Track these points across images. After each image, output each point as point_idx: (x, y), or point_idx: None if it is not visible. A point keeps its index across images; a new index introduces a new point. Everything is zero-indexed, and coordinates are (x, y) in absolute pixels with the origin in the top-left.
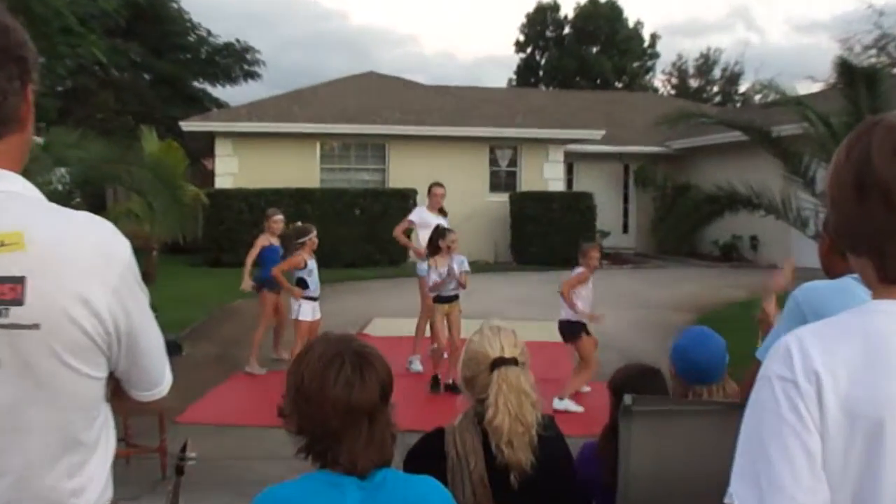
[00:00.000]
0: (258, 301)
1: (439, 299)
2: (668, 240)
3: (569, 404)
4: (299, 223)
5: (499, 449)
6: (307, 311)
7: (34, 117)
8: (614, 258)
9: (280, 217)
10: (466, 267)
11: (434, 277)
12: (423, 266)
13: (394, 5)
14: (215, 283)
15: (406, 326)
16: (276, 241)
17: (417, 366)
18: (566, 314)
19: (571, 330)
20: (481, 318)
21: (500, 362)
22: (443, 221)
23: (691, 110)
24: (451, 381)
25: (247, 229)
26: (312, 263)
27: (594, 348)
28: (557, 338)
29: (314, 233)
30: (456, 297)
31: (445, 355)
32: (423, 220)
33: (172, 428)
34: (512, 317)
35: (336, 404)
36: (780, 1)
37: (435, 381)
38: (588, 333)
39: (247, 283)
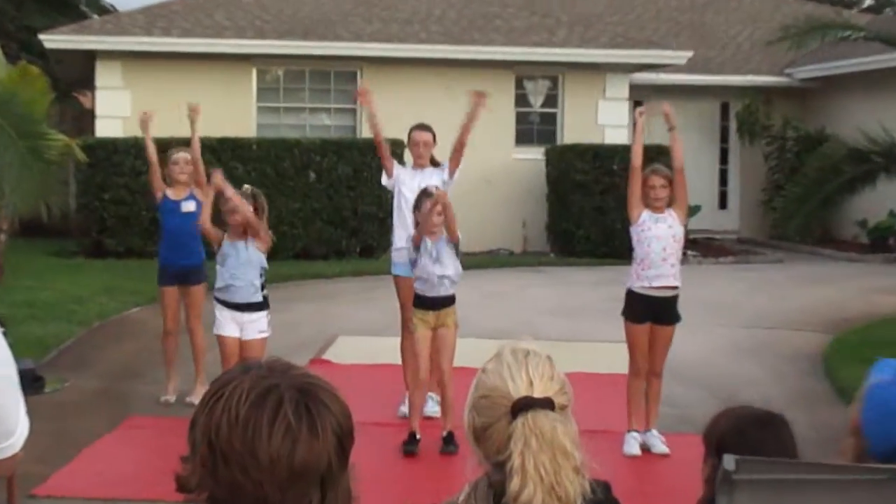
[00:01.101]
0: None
1: (419, 301)
2: (788, 219)
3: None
4: (247, 187)
5: None
6: (222, 323)
7: None
8: (706, 248)
9: (184, 157)
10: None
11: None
12: (398, 258)
13: None
14: (96, 282)
15: (387, 349)
16: (180, 194)
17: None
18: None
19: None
20: (501, 337)
21: (527, 405)
22: (435, 179)
23: (828, 19)
24: (445, 434)
25: (144, 200)
26: (231, 248)
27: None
28: (616, 366)
29: (239, 208)
30: (448, 301)
31: (435, 400)
32: (402, 181)
33: None
34: (548, 335)
35: (271, 466)
36: None
37: (411, 440)
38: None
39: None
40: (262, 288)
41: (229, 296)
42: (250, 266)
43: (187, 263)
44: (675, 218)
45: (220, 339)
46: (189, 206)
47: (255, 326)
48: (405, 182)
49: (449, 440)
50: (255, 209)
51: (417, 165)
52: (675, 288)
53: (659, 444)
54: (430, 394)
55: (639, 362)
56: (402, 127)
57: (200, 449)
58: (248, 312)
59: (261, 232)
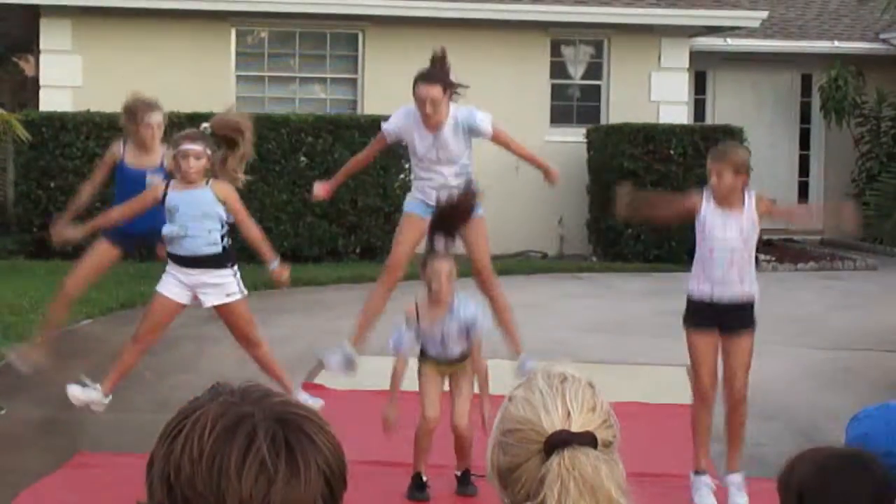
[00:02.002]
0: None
1: (425, 355)
2: (883, 217)
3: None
4: (205, 126)
5: None
6: (167, 281)
7: None
8: (782, 251)
9: (159, 119)
10: (481, 326)
11: (399, 339)
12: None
13: None
14: (38, 289)
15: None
16: (145, 161)
17: None
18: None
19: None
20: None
21: (563, 441)
22: (461, 141)
23: None
24: (459, 474)
25: (99, 189)
26: (178, 197)
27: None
28: (674, 394)
29: (180, 148)
30: (461, 360)
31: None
32: (407, 134)
33: None
34: (588, 356)
35: None
36: None
37: (418, 483)
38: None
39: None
40: (225, 237)
41: (180, 248)
42: (207, 216)
43: (148, 227)
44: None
45: (157, 297)
46: (156, 180)
47: (222, 290)
48: (416, 147)
49: (465, 480)
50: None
51: (429, 127)
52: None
53: (735, 494)
54: None
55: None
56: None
57: (157, 493)
58: (204, 269)
59: (223, 181)
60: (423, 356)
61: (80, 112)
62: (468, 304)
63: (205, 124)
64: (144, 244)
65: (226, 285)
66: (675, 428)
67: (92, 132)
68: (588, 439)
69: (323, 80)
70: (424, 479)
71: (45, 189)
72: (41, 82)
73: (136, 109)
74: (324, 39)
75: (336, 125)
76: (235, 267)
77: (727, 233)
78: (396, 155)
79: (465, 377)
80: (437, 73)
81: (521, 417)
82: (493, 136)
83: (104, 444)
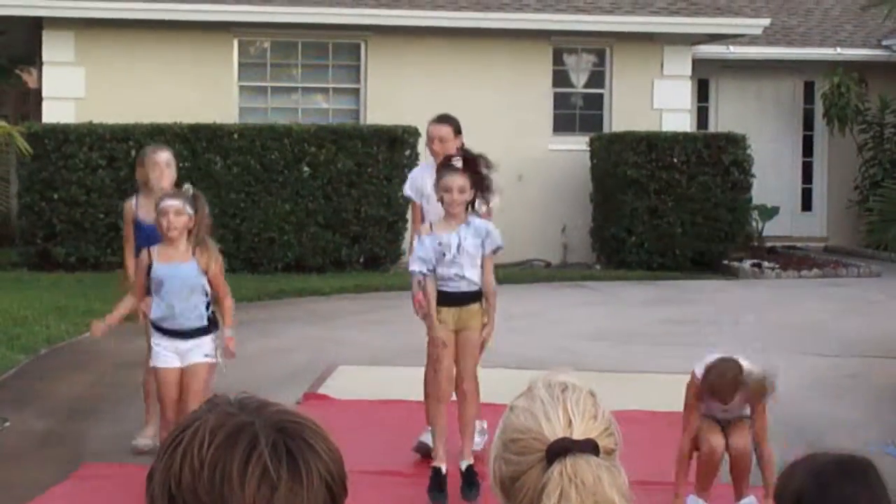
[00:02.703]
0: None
1: (443, 298)
2: (887, 224)
3: None
4: (188, 186)
5: None
6: (159, 354)
7: None
8: (786, 258)
9: (166, 157)
10: (494, 240)
11: (422, 242)
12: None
13: None
14: (42, 300)
15: (397, 380)
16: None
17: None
18: None
19: None
20: (534, 367)
21: (565, 449)
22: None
23: None
24: (464, 468)
25: (102, 200)
26: (164, 270)
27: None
28: (675, 402)
29: (161, 206)
30: (474, 297)
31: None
32: (422, 190)
33: None
34: (591, 364)
35: None
36: None
37: (436, 479)
38: None
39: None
40: (210, 306)
41: (168, 323)
42: (193, 291)
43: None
44: None
45: (157, 374)
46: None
47: (200, 350)
48: (425, 192)
49: (470, 478)
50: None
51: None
52: None
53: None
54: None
55: None
56: (413, 111)
57: (160, 501)
58: (192, 339)
59: (207, 249)
60: (439, 303)
61: (83, 124)
62: (482, 221)
63: (187, 185)
64: None
65: (204, 346)
66: (677, 436)
67: (95, 144)
68: (590, 447)
69: (325, 91)
70: (444, 471)
71: (48, 201)
72: (44, 94)
73: (145, 154)
74: (326, 49)
75: (338, 135)
76: (217, 331)
77: None
78: (400, 165)
79: (472, 336)
80: (449, 116)
81: (522, 426)
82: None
83: (108, 455)
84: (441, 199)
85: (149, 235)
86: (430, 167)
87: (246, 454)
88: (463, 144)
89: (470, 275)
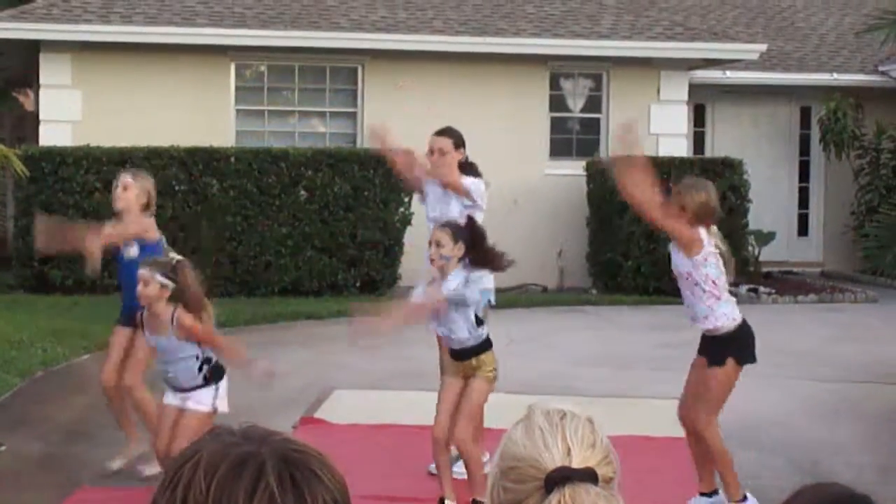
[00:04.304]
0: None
1: (452, 353)
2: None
3: None
4: (173, 255)
5: None
6: (167, 393)
7: None
8: (782, 283)
9: (124, 179)
10: (459, 290)
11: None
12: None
13: None
14: (39, 323)
15: (395, 405)
16: (137, 233)
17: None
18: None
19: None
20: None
21: (564, 477)
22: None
23: None
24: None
25: (99, 224)
26: (153, 340)
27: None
28: (674, 428)
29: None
30: (473, 353)
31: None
32: (427, 196)
33: None
34: (588, 390)
35: None
36: None
37: None
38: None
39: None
40: (204, 366)
41: (169, 382)
42: (181, 358)
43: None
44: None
45: (160, 407)
46: (131, 252)
47: (195, 399)
48: (430, 202)
49: None
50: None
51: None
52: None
53: None
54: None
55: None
56: (412, 134)
57: None
58: (190, 392)
59: (185, 319)
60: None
61: (80, 147)
62: (458, 275)
63: (172, 253)
64: None
65: (202, 397)
66: (675, 462)
67: (91, 167)
68: (589, 475)
69: (322, 114)
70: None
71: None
72: (41, 117)
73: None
74: (323, 73)
75: (336, 159)
76: (220, 383)
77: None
78: (397, 189)
79: (474, 384)
80: (450, 128)
81: (520, 454)
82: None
83: (106, 479)
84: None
85: (116, 253)
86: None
87: (252, 485)
88: (466, 158)
89: (463, 332)
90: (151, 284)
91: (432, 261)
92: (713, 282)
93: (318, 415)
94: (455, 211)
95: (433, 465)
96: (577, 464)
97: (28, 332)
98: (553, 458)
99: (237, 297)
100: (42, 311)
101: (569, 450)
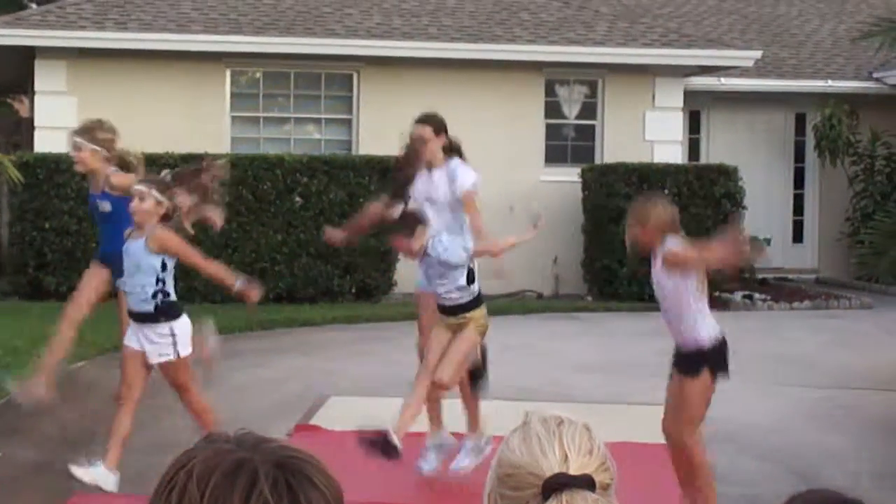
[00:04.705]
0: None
1: (443, 309)
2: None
3: None
4: (166, 172)
5: None
6: (128, 333)
7: None
8: (777, 290)
9: (73, 140)
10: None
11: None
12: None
13: None
14: (33, 330)
15: (390, 411)
16: (95, 186)
17: (432, 462)
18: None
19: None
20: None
21: (561, 484)
22: (442, 188)
23: None
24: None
25: (94, 230)
26: (125, 247)
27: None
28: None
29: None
30: (465, 309)
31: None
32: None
33: None
34: (584, 396)
35: None
36: None
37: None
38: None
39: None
40: (159, 294)
41: (127, 304)
42: (138, 270)
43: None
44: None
45: (123, 352)
46: (104, 206)
47: (155, 351)
48: (417, 189)
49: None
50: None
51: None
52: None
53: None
54: (435, 442)
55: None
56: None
57: None
58: (143, 324)
59: (164, 231)
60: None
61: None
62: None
63: (166, 171)
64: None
65: (160, 345)
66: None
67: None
68: (586, 482)
69: (317, 121)
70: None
71: (39, 230)
72: (36, 123)
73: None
74: (318, 80)
75: (331, 165)
76: (173, 325)
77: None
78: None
79: (461, 339)
80: (429, 115)
81: (518, 461)
82: (462, 195)
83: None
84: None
85: (91, 205)
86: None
87: (246, 491)
88: (450, 143)
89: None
90: (147, 200)
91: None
92: (699, 292)
93: (313, 421)
94: (438, 190)
95: (421, 463)
96: (574, 470)
97: (23, 338)
98: (550, 465)
99: (232, 304)
100: (37, 318)
101: (566, 456)
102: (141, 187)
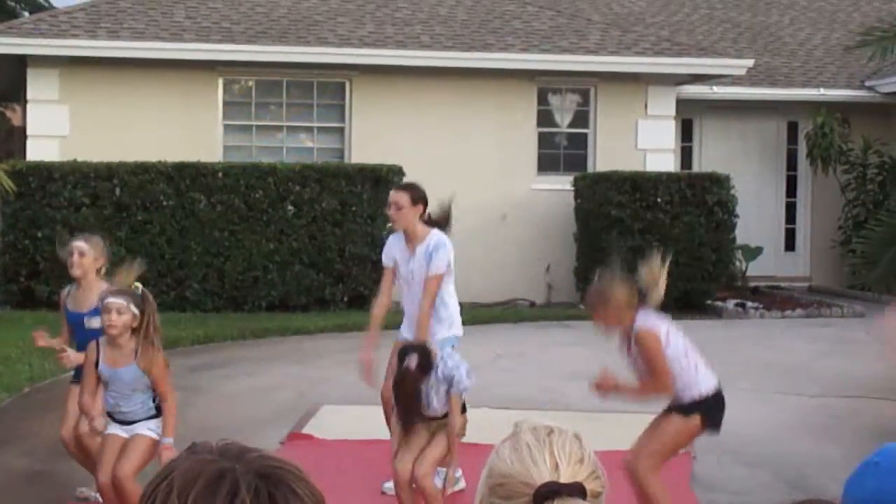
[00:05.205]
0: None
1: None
2: (870, 265)
3: None
4: (137, 285)
5: None
6: (110, 426)
7: None
8: (769, 298)
9: (79, 246)
10: (465, 383)
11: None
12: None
13: None
14: (26, 338)
15: (384, 420)
16: (82, 303)
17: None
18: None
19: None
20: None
21: (552, 493)
22: (418, 260)
23: None
24: None
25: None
26: (109, 373)
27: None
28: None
29: (105, 303)
30: (444, 416)
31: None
32: (396, 252)
33: None
34: (575, 404)
35: None
36: None
37: None
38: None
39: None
40: (156, 397)
41: (117, 416)
42: (135, 391)
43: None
44: None
45: (103, 438)
46: (94, 323)
47: (146, 426)
48: (399, 266)
49: None
50: (141, 317)
51: (407, 233)
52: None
53: None
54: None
55: None
56: (398, 150)
57: None
58: (135, 424)
59: (150, 350)
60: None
61: (68, 162)
62: (452, 358)
63: (137, 283)
64: None
65: (151, 424)
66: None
67: (79, 182)
68: (577, 490)
69: (310, 129)
70: None
71: (32, 239)
72: (28, 132)
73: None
74: (311, 88)
75: (323, 174)
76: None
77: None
78: (384, 204)
79: (440, 437)
80: (410, 184)
81: (508, 471)
82: (427, 280)
83: (94, 496)
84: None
85: (75, 323)
86: (400, 237)
87: (228, 501)
88: (428, 215)
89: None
90: (126, 314)
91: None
92: (685, 355)
93: (305, 430)
94: (419, 267)
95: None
96: (565, 479)
97: (15, 347)
98: (541, 474)
99: (224, 312)
100: (29, 327)
101: (556, 465)
102: (119, 301)
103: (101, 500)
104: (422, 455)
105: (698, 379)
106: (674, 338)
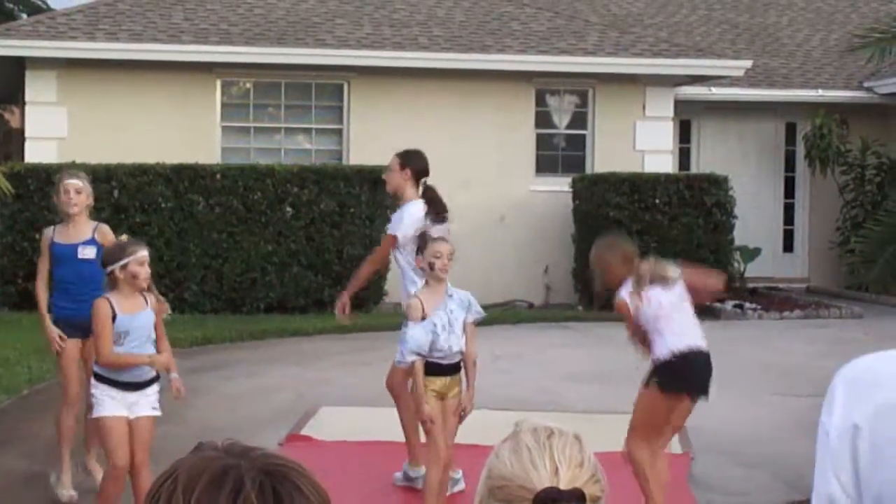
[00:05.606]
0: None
1: (430, 369)
2: (868, 265)
3: None
4: (124, 237)
5: None
6: (104, 402)
7: None
8: (768, 299)
9: (75, 183)
10: (477, 310)
11: (414, 334)
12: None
13: None
14: (24, 341)
15: (381, 422)
16: (73, 235)
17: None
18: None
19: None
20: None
21: (552, 498)
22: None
23: None
24: None
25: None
26: (128, 320)
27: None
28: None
29: (136, 255)
30: (456, 369)
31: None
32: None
33: None
34: (574, 406)
35: None
36: None
37: None
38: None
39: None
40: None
41: (125, 376)
42: (149, 340)
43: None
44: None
45: (105, 423)
46: (88, 253)
47: (149, 402)
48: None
49: None
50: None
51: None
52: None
53: None
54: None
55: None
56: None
57: None
58: (142, 389)
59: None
60: (427, 373)
61: (66, 163)
62: (462, 292)
63: (123, 235)
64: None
65: (151, 397)
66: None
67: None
68: (576, 496)
69: (308, 131)
70: None
71: (30, 241)
72: (26, 134)
73: (59, 179)
74: (309, 90)
75: (321, 175)
76: (159, 380)
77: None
78: (382, 205)
79: (454, 402)
80: (406, 151)
81: (508, 474)
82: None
83: (91, 496)
84: (430, 267)
85: (67, 255)
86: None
87: (232, 497)
88: (426, 188)
89: (459, 346)
90: (145, 264)
91: (441, 271)
92: (653, 323)
93: (304, 431)
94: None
95: (398, 475)
96: (565, 483)
97: (13, 349)
98: (541, 478)
99: (222, 314)
100: (27, 329)
101: (556, 469)
102: (145, 252)
103: (76, 499)
104: (449, 432)
105: (659, 345)
106: (645, 306)
